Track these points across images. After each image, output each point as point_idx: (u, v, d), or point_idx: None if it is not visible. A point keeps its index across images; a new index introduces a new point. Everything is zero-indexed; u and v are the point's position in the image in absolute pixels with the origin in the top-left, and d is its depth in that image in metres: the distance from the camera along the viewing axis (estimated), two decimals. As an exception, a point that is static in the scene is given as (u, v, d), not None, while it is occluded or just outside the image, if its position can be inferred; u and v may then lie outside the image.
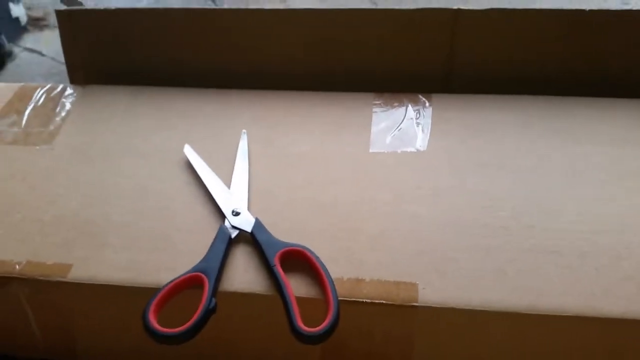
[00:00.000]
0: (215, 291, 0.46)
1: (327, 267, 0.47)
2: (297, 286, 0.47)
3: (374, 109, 0.61)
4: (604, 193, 0.52)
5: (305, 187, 0.54)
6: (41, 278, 0.48)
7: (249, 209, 0.52)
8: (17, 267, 0.49)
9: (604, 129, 0.58)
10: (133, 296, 0.47)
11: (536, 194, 0.53)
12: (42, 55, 1.01)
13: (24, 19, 1.07)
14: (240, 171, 0.55)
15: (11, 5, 1.04)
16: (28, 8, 1.10)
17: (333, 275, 0.46)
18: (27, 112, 0.63)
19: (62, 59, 0.68)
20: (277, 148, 0.58)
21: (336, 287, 0.45)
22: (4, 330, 0.51)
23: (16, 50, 1.02)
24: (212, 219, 0.52)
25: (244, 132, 0.59)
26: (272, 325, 0.48)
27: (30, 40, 1.05)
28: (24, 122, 0.62)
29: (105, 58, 0.67)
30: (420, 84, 0.64)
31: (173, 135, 0.60)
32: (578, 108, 0.60)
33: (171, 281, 0.46)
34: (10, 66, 0.99)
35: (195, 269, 0.47)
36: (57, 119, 0.62)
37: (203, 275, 0.46)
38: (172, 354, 0.50)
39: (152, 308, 0.44)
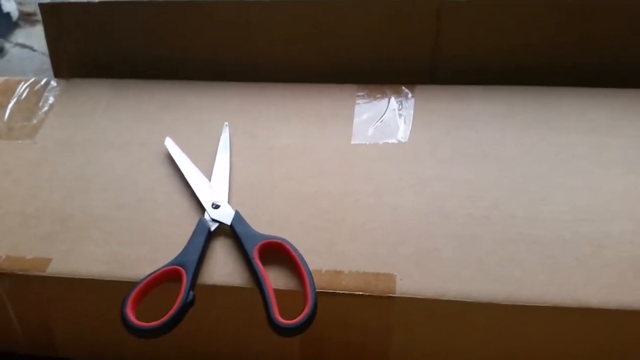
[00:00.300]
0: (193, 284, 0.46)
1: (307, 259, 0.47)
2: (275, 278, 0.46)
3: (357, 101, 0.61)
4: (587, 182, 0.52)
5: (287, 180, 0.54)
6: (20, 273, 0.48)
7: (229, 201, 0.52)
8: (-3, 261, 0.49)
9: (588, 119, 0.58)
10: (112, 290, 0.47)
11: (520, 183, 0.52)
12: (34, 50, 1.01)
13: (15, 14, 1.06)
14: (221, 164, 0.55)
15: (2, 1, 1.04)
16: (19, 3, 1.10)
17: (312, 267, 0.46)
18: (10, 106, 0.63)
19: None
20: (260, 141, 0.58)
21: (315, 279, 0.45)
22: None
23: (7, 46, 1.02)
24: (193, 212, 0.52)
25: (226, 125, 0.58)
26: (251, 318, 0.48)
27: (21, 35, 1.05)
28: (6, 116, 0.62)
29: (89, 51, 0.67)
30: (406, 76, 0.63)
31: (155, 128, 0.59)
32: (562, 98, 0.60)
33: (149, 275, 0.46)
34: (1, 62, 0.99)
35: (174, 262, 0.47)
36: (40, 112, 0.62)
37: (181, 269, 0.46)
38: (151, 347, 0.49)
39: (129, 302, 0.44)
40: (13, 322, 0.50)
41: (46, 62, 0.98)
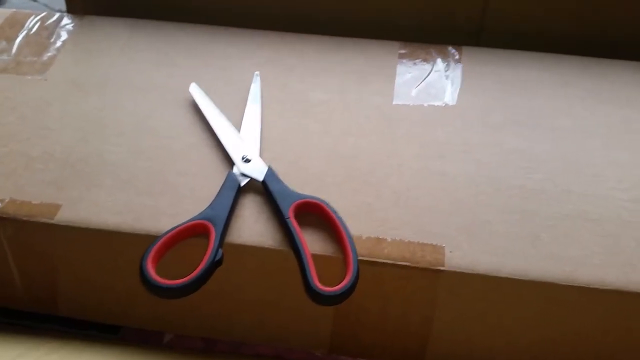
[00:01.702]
0: (222, 242, 0.41)
1: (346, 223, 0.42)
2: (312, 242, 0.42)
3: (399, 59, 0.56)
4: (645, 160, 0.48)
5: (322, 137, 0.49)
6: (25, 218, 0.43)
7: (260, 156, 0.47)
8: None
9: (642, 94, 0.54)
10: (128, 243, 0.43)
11: (574, 157, 0.48)
12: (35, 1, 0.95)
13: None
14: (251, 115, 0.50)
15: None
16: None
17: (352, 232, 0.42)
18: (18, 39, 0.57)
19: (55, 5, 0.62)
20: (293, 94, 0.53)
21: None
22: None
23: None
24: (220, 165, 0.47)
25: (257, 74, 0.53)
26: (282, 283, 0.43)
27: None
28: (14, 49, 0.56)
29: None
30: (449, 36, 0.59)
31: (177, 72, 0.54)
32: (615, 71, 0.56)
33: (173, 228, 0.41)
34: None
35: (201, 216, 0.42)
36: (52, 48, 0.56)
37: (209, 224, 0.41)
38: (167, 310, 0.45)
39: (150, 256, 0.39)
40: (13, 274, 0.45)
41: (48, 14, 0.92)
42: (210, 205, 0.43)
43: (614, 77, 0.55)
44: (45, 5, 0.92)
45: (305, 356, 0.47)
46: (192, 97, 0.51)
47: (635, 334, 0.43)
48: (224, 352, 0.48)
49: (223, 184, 0.44)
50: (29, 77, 0.53)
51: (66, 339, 0.45)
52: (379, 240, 0.43)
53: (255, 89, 0.52)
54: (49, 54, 0.56)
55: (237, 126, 0.49)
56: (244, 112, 0.50)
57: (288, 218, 0.42)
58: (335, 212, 0.43)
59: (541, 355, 0.45)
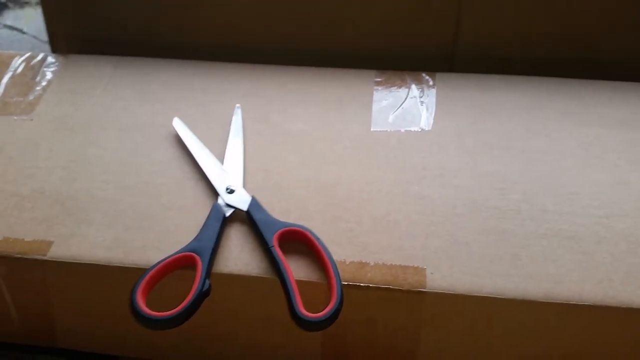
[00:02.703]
0: (209, 272, 0.42)
1: (329, 249, 0.43)
2: (296, 269, 0.43)
3: (375, 87, 0.58)
4: (618, 177, 0.50)
5: (304, 166, 0.51)
6: (19, 256, 0.44)
7: (244, 187, 0.48)
8: (-8, 243, 0.45)
9: (614, 112, 0.55)
10: (118, 276, 0.44)
11: (549, 176, 0.50)
12: (23, 33, 0.96)
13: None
14: (234, 147, 0.52)
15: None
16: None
17: (335, 257, 0.43)
18: (4, 80, 0.58)
19: (44, 37, 0.64)
20: (273, 125, 0.54)
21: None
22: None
23: (-5, 27, 0.97)
24: (204, 197, 0.48)
25: (238, 107, 0.55)
26: (270, 311, 0.44)
27: (10, 17, 1.00)
28: (1, 90, 0.57)
29: (88, 26, 0.63)
30: (423, 63, 0.60)
31: (160, 108, 0.56)
32: (586, 90, 0.58)
33: (161, 261, 0.42)
34: (-12, 44, 0.94)
35: (188, 248, 0.43)
36: (37, 88, 0.58)
37: (196, 255, 0.42)
38: (159, 339, 0.46)
39: (140, 289, 0.40)
40: (10, 309, 0.46)
41: (37, 45, 0.94)
42: (196, 237, 0.44)
43: (587, 97, 0.57)
44: (35, 37, 0.93)
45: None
46: (175, 131, 0.53)
47: (615, 347, 0.44)
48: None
49: (209, 215, 0.45)
50: (16, 118, 0.55)
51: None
52: (362, 265, 0.44)
53: (236, 121, 0.54)
54: (35, 94, 0.57)
55: (221, 158, 0.51)
56: (226, 144, 0.52)
57: (272, 246, 0.43)
58: (318, 239, 0.44)
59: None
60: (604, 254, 0.45)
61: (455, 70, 0.60)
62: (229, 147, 0.51)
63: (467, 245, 0.45)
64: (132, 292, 0.40)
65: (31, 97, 0.57)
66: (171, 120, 0.53)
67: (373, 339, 0.45)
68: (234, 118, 0.54)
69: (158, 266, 0.42)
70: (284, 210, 0.47)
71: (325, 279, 0.43)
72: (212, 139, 0.52)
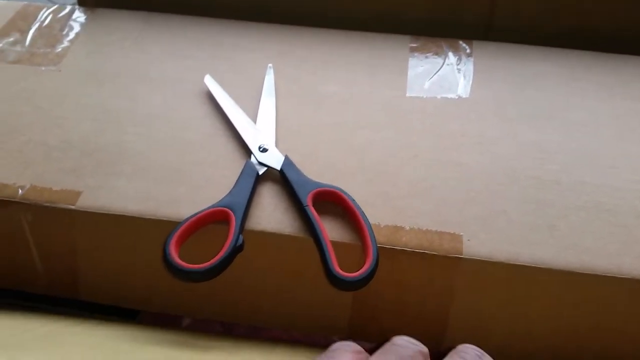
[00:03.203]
0: (242, 228, 0.41)
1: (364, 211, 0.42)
2: (330, 229, 0.42)
3: (411, 52, 0.56)
4: (657, 152, 0.49)
5: (337, 128, 0.50)
6: (47, 204, 0.43)
7: (276, 146, 0.47)
8: (20, 191, 0.44)
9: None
10: (149, 229, 0.43)
11: (588, 148, 0.49)
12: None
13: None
14: (266, 107, 0.50)
15: None
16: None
17: (370, 220, 0.42)
18: (31, 31, 0.57)
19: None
20: (304, 86, 0.53)
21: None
22: (4, 262, 0.46)
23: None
24: (236, 154, 0.47)
25: (270, 67, 0.54)
26: (301, 270, 0.43)
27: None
28: (27, 41, 0.56)
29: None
30: (459, 31, 0.59)
31: (190, 65, 0.54)
32: (625, 66, 0.56)
33: (194, 214, 0.41)
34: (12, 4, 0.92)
35: (221, 203, 0.42)
36: (65, 40, 0.56)
37: (229, 211, 0.41)
38: (186, 295, 0.45)
39: (173, 241, 0.39)
40: (34, 258, 0.45)
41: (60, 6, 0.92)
42: (229, 192, 0.43)
43: (624, 72, 0.55)
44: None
45: (323, 341, 0.47)
46: (206, 88, 0.52)
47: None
48: (242, 336, 0.48)
49: (241, 172, 0.44)
50: (43, 68, 0.54)
51: (83, 319, 0.45)
52: (396, 229, 0.43)
53: (269, 81, 0.53)
54: (62, 46, 0.56)
55: (253, 117, 0.49)
56: (258, 103, 0.51)
57: (307, 206, 0.42)
58: (353, 200, 0.43)
59: (559, 343, 0.45)
60: (644, 229, 0.44)
61: (492, 39, 0.58)
62: (261, 106, 0.50)
63: (505, 214, 0.44)
64: (166, 244, 0.39)
65: (59, 49, 0.55)
66: (202, 77, 0.52)
67: (403, 304, 0.44)
68: (266, 77, 0.53)
69: (191, 219, 0.41)
70: (317, 171, 0.46)
71: (359, 240, 0.42)
72: (244, 98, 0.51)
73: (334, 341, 0.32)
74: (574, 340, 0.44)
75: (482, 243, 0.42)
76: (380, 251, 0.41)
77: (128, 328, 0.44)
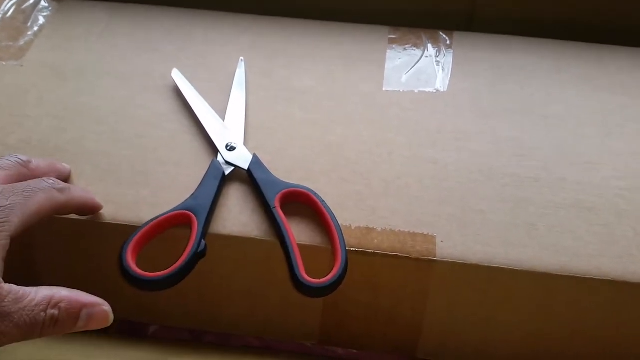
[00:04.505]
0: (205, 233, 0.39)
1: (334, 213, 0.41)
2: (299, 232, 0.41)
3: (389, 44, 0.54)
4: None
5: (309, 125, 0.48)
6: (1, 208, 0.41)
7: (245, 144, 0.45)
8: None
9: (637, 80, 0.52)
10: (108, 233, 0.41)
11: (568, 144, 0.47)
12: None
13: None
14: (236, 103, 0.48)
15: None
16: None
17: (340, 222, 0.40)
18: (-7, 23, 0.55)
19: None
20: (278, 80, 0.51)
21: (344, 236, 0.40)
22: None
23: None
24: (203, 153, 0.45)
25: (242, 60, 0.52)
26: (269, 275, 0.42)
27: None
28: (-11, 34, 0.54)
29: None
30: (440, 21, 0.57)
31: (158, 58, 0.52)
32: (610, 57, 0.54)
33: (154, 218, 0.39)
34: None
35: (183, 206, 0.40)
36: (29, 33, 0.54)
37: (192, 214, 0.40)
38: (152, 300, 0.44)
39: (130, 247, 0.37)
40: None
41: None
42: (193, 194, 0.41)
43: (609, 63, 0.54)
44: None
45: (295, 347, 0.46)
46: (174, 83, 0.50)
47: (632, 326, 0.42)
48: (211, 344, 0.47)
49: (206, 173, 0.43)
50: (4, 63, 0.51)
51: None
52: (368, 230, 0.41)
53: (240, 74, 0.51)
54: (26, 39, 0.54)
55: (221, 113, 0.48)
56: (228, 98, 0.49)
57: (274, 208, 0.41)
58: (322, 201, 0.41)
59: (538, 347, 0.44)
60: (625, 227, 0.42)
61: (474, 30, 0.56)
62: (230, 102, 0.48)
63: (482, 213, 0.42)
64: (122, 250, 0.37)
65: (22, 42, 0.53)
66: (170, 71, 0.50)
67: (376, 308, 0.43)
68: (237, 71, 0.51)
69: (151, 224, 0.39)
70: (287, 170, 0.44)
71: (329, 243, 0.40)
72: (213, 93, 0.49)
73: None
74: (553, 345, 0.43)
75: (456, 244, 0.41)
76: (352, 254, 0.40)
77: (93, 340, 0.43)
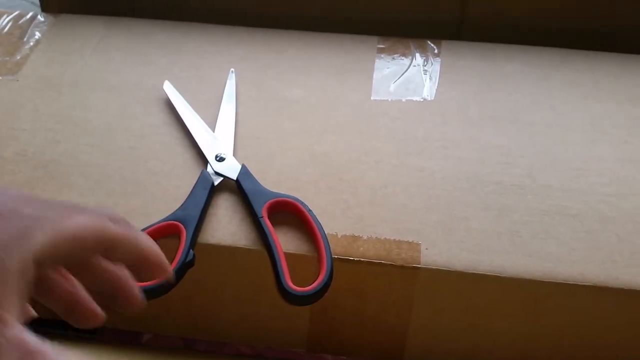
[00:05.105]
0: (193, 243, 0.40)
1: (321, 221, 0.41)
2: (286, 241, 0.41)
3: (378, 54, 0.55)
4: (627, 154, 0.48)
5: (299, 135, 0.49)
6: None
7: (234, 155, 0.46)
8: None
9: (624, 87, 0.53)
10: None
11: (554, 151, 0.48)
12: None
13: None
14: (226, 114, 0.49)
15: None
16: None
17: (327, 230, 0.41)
18: (-10, 38, 0.56)
19: None
20: (268, 91, 0.52)
21: (330, 244, 0.40)
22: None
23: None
24: (193, 164, 0.46)
25: (232, 72, 0.53)
26: (257, 284, 0.43)
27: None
28: (-14, 49, 0.55)
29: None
30: (429, 30, 0.58)
31: (151, 71, 0.53)
32: (596, 63, 0.55)
33: (144, 229, 0.40)
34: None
35: (172, 217, 0.41)
36: (25, 48, 0.55)
37: (180, 224, 0.40)
38: (144, 309, 0.44)
39: (120, 258, 0.38)
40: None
41: (29, 7, 0.91)
42: (182, 205, 0.42)
43: (596, 70, 0.54)
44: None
45: (286, 355, 0.46)
46: (165, 95, 0.51)
47: (618, 330, 0.42)
48: (203, 352, 0.48)
49: (196, 183, 0.43)
50: (1, 78, 0.53)
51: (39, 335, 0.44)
52: (354, 238, 0.42)
53: (230, 86, 0.51)
54: (22, 54, 0.55)
55: (212, 124, 0.48)
56: (218, 110, 0.50)
57: (261, 217, 0.41)
58: (309, 211, 0.42)
59: (525, 352, 0.44)
60: (609, 233, 0.43)
61: (463, 39, 0.57)
62: (221, 113, 0.49)
63: (466, 221, 0.43)
64: (112, 261, 0.38)
65: (18, 57, 0.54)
66: (162, 84, 0.51)
67: (363, 315, 0.43)
68: (227, 83, 0.52)
69: (140, 234, 0.40)
70: (276, 180, 0.45)
71: (315, 252, 0.41)
72: (203, 104, 0.50)
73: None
74: (541, 350, 0.44)
75: (441, 251, 0.41)
76: (338, 262, 0.40)
77: (86, 348, 0.44)
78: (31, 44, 0.56)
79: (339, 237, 0.42)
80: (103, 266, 0.29)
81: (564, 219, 0.43)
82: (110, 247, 0.27)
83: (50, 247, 0.25)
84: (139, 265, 0.30)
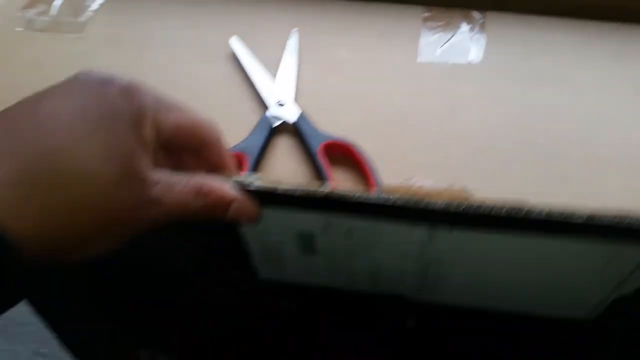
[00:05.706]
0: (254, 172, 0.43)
1: (373, 165, 0.44)
2: (339, 179, 0.43)
3: (423, 22, 0.57)
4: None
5: (352, 90, 0.51)
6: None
7: (294, 102, 0.49)
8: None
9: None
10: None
11: (601, 113, 0.49)
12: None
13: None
14: (287, 67, 0.52)
15: None
16: None
17: (378, 173, 0.43)
18: (56, 2, 0.59)
19: None
20: (322, 52, 0.54)
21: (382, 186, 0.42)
22: None
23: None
24: (256, 109, 0.49)
25: (295, 31, 0.55)
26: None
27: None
28: (52, 11, 0.58)
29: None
30: (473, 2, 0.60)
31: (216, 27, 0.56)
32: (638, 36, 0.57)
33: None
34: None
35: (235, 148, 0.43)
36: (89, 10, 0.58)
37: (244, 154, 0.43)
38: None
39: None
40: None
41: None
42: (243, 140, 0.44)
43: (637, 41, 0.56)
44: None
45: None
46: (231, 50, 0.53)
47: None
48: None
49: (257, 124, 0.46)
50: (68, 36, 0.56)
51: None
52: (405, 181, 0.44)
53: (292, 43, 0.54)
54: (87, 15, 0.58)
55: (274, 75, 0.51)
56: (279, 64, 0.52)
57: (317, 155, 0.44)
58: (363, 153, 0.44)
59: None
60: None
61: (507, 10, 0.59)
62: (282, 66, 0.52)
63: (515, 168, 0.45)
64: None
65: (83, 18, 0.57)
66: (226, 41, 0.54)
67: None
68: (289, 41, 0.54)
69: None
70: (332, 127, 0.47)
71: (367, 190, 0.43)
72: (266, 59, 0.52)
73: None
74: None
75: (490, 196, 0.43)
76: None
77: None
78: (95, 7, 0.59)
79: (390, 182, 0.44)
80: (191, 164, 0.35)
81: (610, 167, 0.45)
82: (203, 144, 0.35)
83: (163, 126, 0.33)
84: (218, 170, 0.35)
